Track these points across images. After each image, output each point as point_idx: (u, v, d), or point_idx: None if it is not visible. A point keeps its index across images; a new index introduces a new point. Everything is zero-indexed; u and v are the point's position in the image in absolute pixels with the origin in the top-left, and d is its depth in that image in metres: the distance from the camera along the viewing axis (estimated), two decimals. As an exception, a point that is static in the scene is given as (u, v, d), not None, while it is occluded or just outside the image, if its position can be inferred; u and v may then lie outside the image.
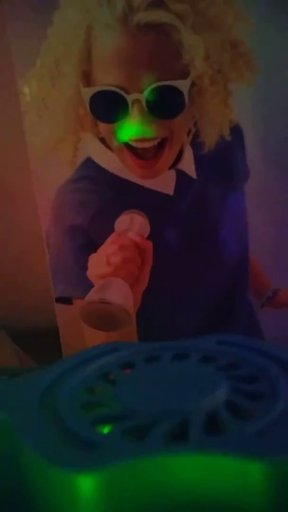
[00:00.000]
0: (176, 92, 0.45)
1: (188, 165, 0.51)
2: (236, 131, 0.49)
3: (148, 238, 0.52)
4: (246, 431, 0.18)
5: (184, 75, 0.45)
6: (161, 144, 0.48)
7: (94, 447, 0.17)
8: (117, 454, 0.17)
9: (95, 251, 0.51)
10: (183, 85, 0.45)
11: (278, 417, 0.19)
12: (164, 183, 0.51)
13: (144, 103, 0.45)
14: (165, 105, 0.45)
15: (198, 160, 0.51)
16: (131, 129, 0.46)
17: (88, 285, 0.51)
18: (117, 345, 0.28)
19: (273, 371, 0.23)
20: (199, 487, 0.17)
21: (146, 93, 0.44)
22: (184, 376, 0.23)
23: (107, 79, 0.45)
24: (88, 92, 0.46)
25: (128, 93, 0.45)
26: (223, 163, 0.51)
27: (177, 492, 0.17)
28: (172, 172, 0.51)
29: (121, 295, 0.50)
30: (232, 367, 0.24)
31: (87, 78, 0.46)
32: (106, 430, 0.19)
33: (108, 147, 0.50)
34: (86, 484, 0.16)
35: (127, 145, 0.48)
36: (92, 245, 0.51)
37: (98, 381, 0.24)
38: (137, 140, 0.47)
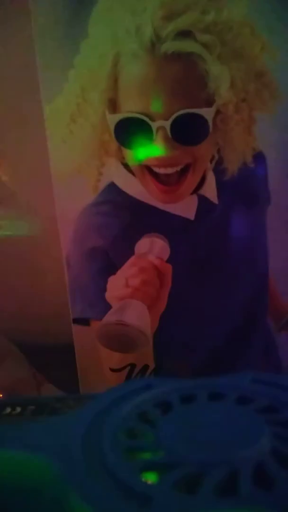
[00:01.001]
0: (201, 120, 0.45)
1: (210, 190, 0.51)
2: (259, 158, 0.50)
3: (167, 261, 0.52)
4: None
5: (209, 103, 0.45)
6: (184, 170, 0.48)
7: (145, 500, 0.17)
8: (170, 510, 0.17)
9: (115, 274, 0.51)
10: (208, 113, 0.45)
11: None
12: (185, 207, 0.52)
13: (168, 130, 0.45)
14: (189, 132, 0.46)
15: (220, 186, 0.51)
16: (155, 154, 0.47)
17: (106, 307, 0.51)
18: (150, 382, 0.28)
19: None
20: None
21: (171, 120, 0.45)
22: (224, 419, 0.23)
23: (132, 106, 0.45)
24: (113, 119, 0.46)
25: (153, 120, 0.45)
26: (245, 189, 0.52)
27: None
28: (194, 197, 0.52)
29: (139, 317, 0.50)
30: (270, 409, 0.24)
31: (112, 105, 0.46)
32: (154, 478, 0.19)
33: (131, 172, 0.50)
34: None
35: (150, 171, 0.49)
36: (112, 268, 0.52)
37: (137, 422, 0.24)
38: (160, 166, 0.48)
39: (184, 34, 0.43)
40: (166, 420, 0.24)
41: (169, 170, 0.48)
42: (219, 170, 0.50)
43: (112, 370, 0.57)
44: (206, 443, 0.21)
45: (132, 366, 0.57)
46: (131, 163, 0.49)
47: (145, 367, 0.58)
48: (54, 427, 0.23)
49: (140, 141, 0.46)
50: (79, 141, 0.48)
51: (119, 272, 0.51)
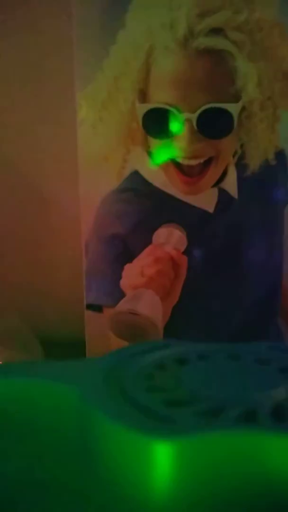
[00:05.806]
0: (226, 114, 0.47)
1: (231, 185, 0.52)
2: (280, 156, 0.51)
3: (184, 253, 0.53)
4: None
5: (235, 99, 0.47)
6: (207, 163, 0.50)
7: (168, 421, 0.18)
8: (192, 428, 0.17)
9: (131, 262, 0.52)
10: (234, 108, 0.47)
11: None
12: (205, 200, 0.53)
13: (195, 123, 0.47)
14: (214, 126, 0.48)
15: (241, 181, 0.52)
16: (180, 146, 0.48)
17: (120, 295, 0.52)
18: (169, 342, 0.28)
19: None
20: (268, 467, 0.17)
21: (198, 113, 0.47)
22: (243, 372, 0.24)
23: (161, 97, 0.47)
24: (142, 108, 0.48)
25: (180, 112, 0.47)
26: (265, 186, 0.53)
27: (246, 470, 0.17)
28: (215, 190, 0.53)
29: (151, 307, 0.51)
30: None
31: (142, 95, 0.48)
32: (176, 408, 0.20)
33: (156, 161, 0.51)
34: (163, 453, 0.17)
35: (173, 161, 0.50)
36: (129, 255, 0.53)
37: (157, 370, 0.24)
38: (184, 157, 0.49)
39: (216, 31, 0.45)
40: (185, 370, 0.24)
41: (193, 162, 0.49)
42: (240, 165, 0.51)
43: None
44: (227, 386, 0.22)
45: (141, 358, 0.58)
46: (156, 152, 0.50)
47: (154, 360, 0.58)
48: (75, 363, 0.23)
49: (166, 132, 0.48)
50: (107, 128, 0.49)
51: (135, 261, 0.52)
